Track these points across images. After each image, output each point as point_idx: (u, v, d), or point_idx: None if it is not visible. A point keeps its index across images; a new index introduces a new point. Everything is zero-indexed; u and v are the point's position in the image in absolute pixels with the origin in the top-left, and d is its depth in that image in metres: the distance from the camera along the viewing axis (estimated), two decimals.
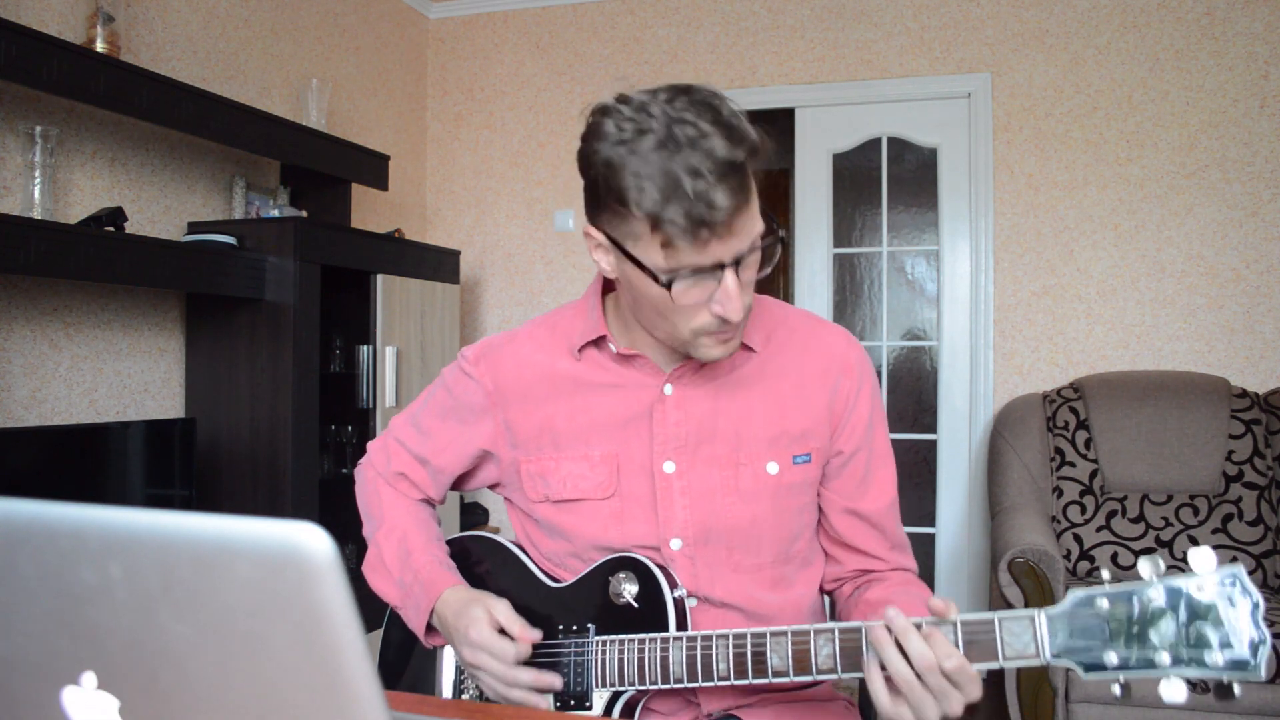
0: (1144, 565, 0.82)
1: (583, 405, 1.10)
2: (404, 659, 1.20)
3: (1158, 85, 3.21)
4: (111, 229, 2.29)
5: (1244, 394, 2.89)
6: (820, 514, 1.15)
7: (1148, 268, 3.23)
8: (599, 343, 1.11)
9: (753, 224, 0.93)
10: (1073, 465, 2.93)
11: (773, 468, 1.08)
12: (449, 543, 1.21)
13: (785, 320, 1.14)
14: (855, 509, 1.12)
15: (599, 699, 1.02)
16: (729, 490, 1.07)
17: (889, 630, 0.86)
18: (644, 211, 0.89)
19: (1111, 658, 0.82)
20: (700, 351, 1.00)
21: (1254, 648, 0.78)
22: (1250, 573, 2.70)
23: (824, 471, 1.12)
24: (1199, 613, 0.80)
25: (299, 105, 3.21)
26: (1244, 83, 3.13)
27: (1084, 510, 2.88)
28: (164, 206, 2.73)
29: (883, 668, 0.87)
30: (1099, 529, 2.85)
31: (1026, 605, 2.39)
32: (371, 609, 1.17)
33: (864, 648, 0.90)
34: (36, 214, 2.21)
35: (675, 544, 1.08)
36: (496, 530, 3.68)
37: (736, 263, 0.92)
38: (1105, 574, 0.86)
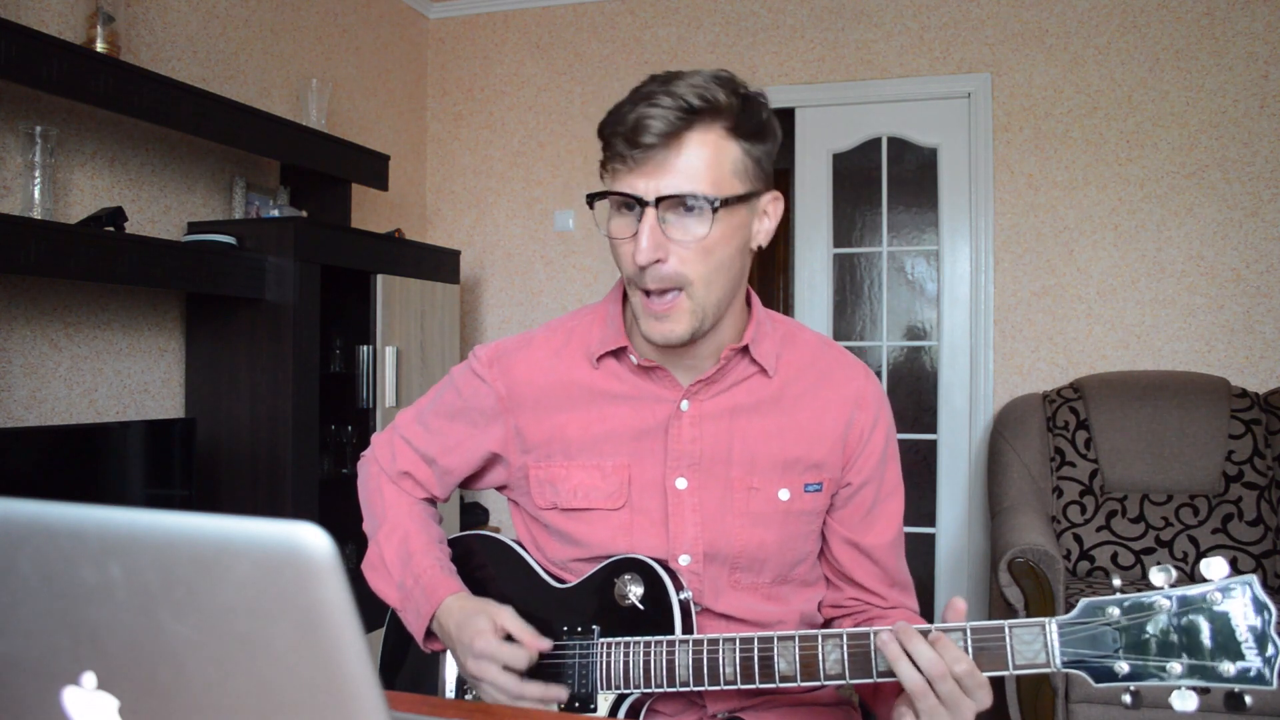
0: (1156, 574, 0.81)
1: (597, 415, 1.09)
2: (405, 658, 1.20)
3: (1158, 85, 3.21)
4: (111, 229, 2.29)
5: (1244, 394, 2.89)
6: (823, 541, 1.14)
7: (1148, 268, 3.23)
8: (618, 353, 1.10)
9: (691, 172, 0.94)
10: (1073, 465, 2.93)
11: (784, 494, 1.07)
12: (451, 542, 1.20)
13: (796, 340, 1.13)
14: (856, 542, 1.11)
15: (604, 701, 1.02)
16: (739, 513, 1.07)
17: (898, 640, 0.85)
18: (599, 131, 0.97)
19: (1122, 667, 0.81)
20: (642, 325, 1.01)
21: (1267, 658, 0.77)
22: (1250, 573, 2.69)
23: (831, 501, 1.12)
24: (1211, 622, 0.79)
25: (299, 105, 3.21)
26: (1244, 83, 3.13)
27: (1084, 510, 2.88)
28: (164, 206, 2.73)
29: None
30: (1099, 529, 2.85)
31: (1027, 606, 2.39)
32: (372, 609, 1.17)
33: (872, 652, 0.89)
34: (36, 214, 2.21)
35: (683, 560, 1.07)
36: (497, 530, 3.68)
37: (659, 204, 0.94)
38: (1116, 581, 0.85)
